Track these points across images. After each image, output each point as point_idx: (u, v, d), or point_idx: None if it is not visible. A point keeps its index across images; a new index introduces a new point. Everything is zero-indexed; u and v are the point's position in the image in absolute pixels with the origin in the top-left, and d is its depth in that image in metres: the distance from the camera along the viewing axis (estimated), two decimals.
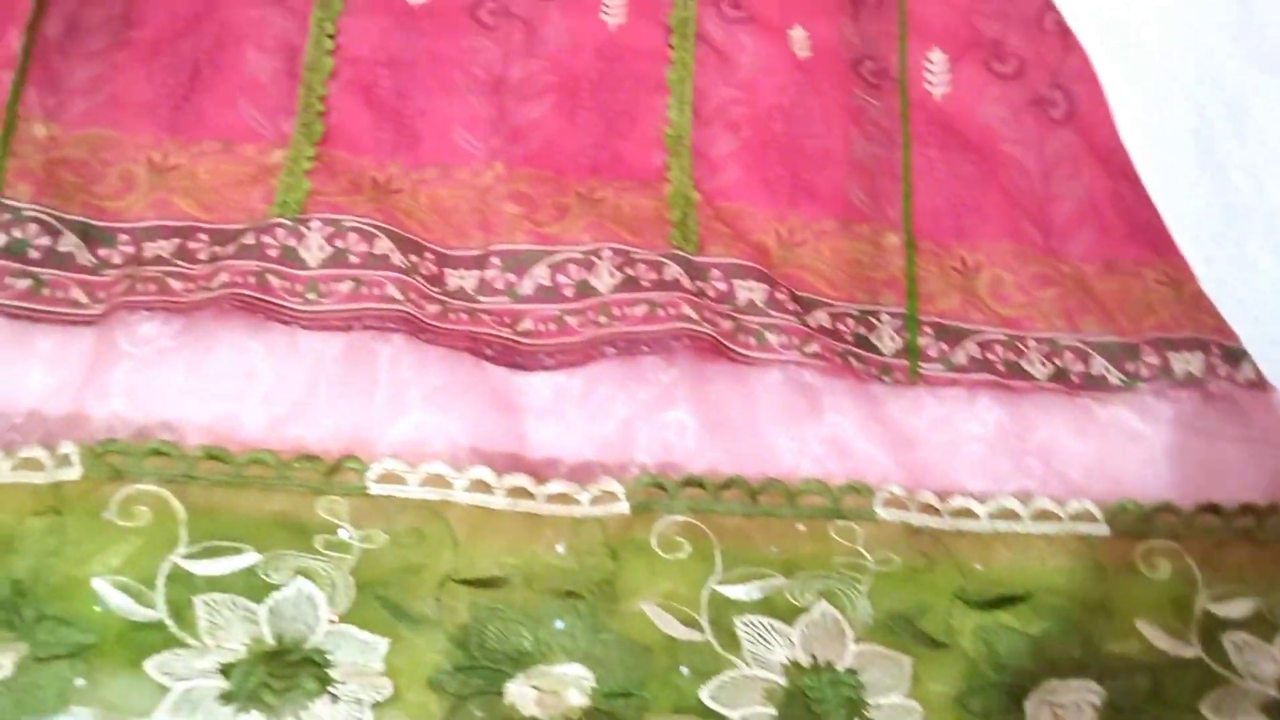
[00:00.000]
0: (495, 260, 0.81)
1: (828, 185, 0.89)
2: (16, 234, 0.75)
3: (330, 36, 0.87)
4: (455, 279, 0.80)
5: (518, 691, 0.67)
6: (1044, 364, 0.85)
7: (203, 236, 0.78)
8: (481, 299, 0.80)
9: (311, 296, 0.76)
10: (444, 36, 0.88)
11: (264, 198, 0.80)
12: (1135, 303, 0.88)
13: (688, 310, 0.79)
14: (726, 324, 0.80)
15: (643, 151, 0.88)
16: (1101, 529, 0.78)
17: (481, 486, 0.72)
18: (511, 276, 0.81)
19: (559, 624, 0.69)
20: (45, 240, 0.76)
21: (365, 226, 0.78)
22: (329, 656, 0.66)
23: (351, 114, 0.84)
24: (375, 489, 0.71)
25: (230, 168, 0.81)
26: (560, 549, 0.71)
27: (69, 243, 0.76)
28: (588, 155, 0.87)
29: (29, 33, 0.81)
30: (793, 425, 0.79)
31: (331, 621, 0.67)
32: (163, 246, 0.78)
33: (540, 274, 0.81)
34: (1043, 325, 0.86)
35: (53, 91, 0.80)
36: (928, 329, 0.85)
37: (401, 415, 0.74)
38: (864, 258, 0.87)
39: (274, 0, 0.87)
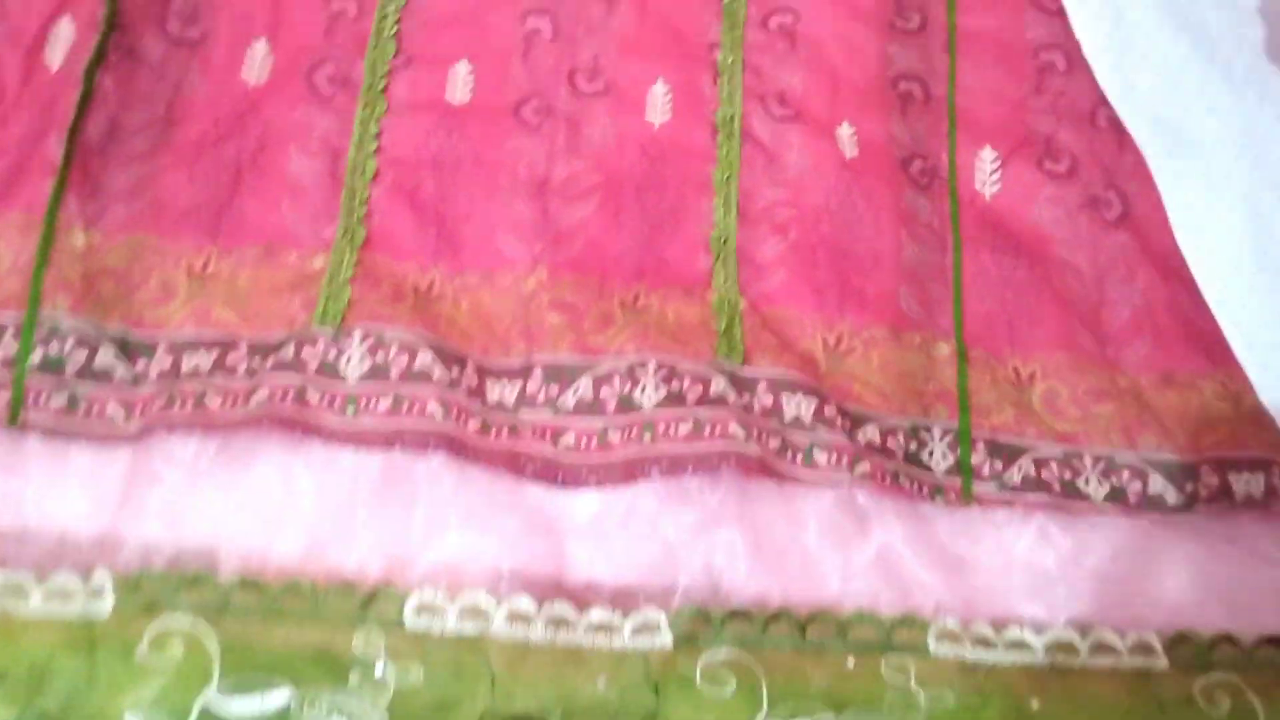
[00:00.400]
0: (537, 372, 0.79)
1: (877, 290, 0.86)
2: (54, 349, 0.74)
3: (374, 137, 0.85)
4: (496, 390, 0.78)
5: None
6: (1100, 482, 0.82)
7: (242, 348, 0.77)
8: (523, 411, 0.78)
9: (350, 412, 0.74)
10: (487, 137, 0.87)
11: (305, 305, 0.79)
12: (1194, 419, 0.85)
13: (734, 428, 0.77)
14: (774, 442, 0.78)
15: (688, 255, 0.86)
16: (1160, 661, 0.75)
17: (520, 618, 0.70)
18: (553, 389, 0.79)
19: None
20: (82, 354, 0.74)
21: (407, 338, 0.77)
22: None
23: (394, 218, 0.83)
24: (412, 621, 0.69)
25: (270, 274, 0.80)
26: (601, 683, 0.69)
27: (106, 356, 0.75)
28: (632, 259, 0.85)
29: (70, 138, 0.79)
30: (841, 548, 0.76)
31: None
32: (201, 359, 0.76)
33: (583, 387, 0.79)
34: (1099, 441, 0.84)
35: (93, 198, 0.79)
36: (980, 445, 0.83)
37: (440, 535, 0.73)
38: (915, 368, 0.84)
39: (318, 101, 0.86)
